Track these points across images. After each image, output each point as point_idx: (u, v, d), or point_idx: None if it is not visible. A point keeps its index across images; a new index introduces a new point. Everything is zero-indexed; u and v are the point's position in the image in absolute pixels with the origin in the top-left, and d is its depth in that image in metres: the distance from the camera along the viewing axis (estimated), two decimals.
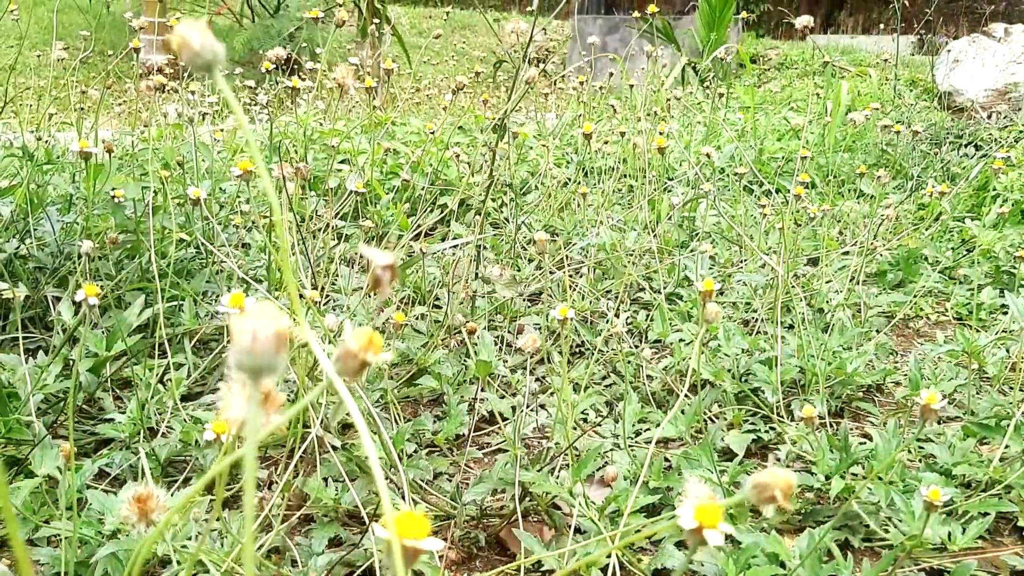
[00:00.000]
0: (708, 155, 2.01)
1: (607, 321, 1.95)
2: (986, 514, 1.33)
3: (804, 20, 1.95)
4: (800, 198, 1.94)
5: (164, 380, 1.66)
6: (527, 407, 1.69)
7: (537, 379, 1.89)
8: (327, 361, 0.44)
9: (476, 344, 1.51)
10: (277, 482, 1.21)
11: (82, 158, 1.29)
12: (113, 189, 1.61)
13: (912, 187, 3.39)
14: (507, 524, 1.34)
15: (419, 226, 2.17)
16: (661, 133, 1.69)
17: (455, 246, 1.89)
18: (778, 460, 1.60)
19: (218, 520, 1.26)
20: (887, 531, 1.22)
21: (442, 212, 2.51)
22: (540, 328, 1.93)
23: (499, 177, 1.94)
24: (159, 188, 1.70)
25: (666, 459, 1.52)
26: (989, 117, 4.40)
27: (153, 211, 1.70)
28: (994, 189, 3.18)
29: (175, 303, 1.83)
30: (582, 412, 1.71)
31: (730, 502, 0.51)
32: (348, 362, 0.43)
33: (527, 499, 1.36)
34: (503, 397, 1.71)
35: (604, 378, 1.90)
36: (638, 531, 1.24)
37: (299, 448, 1.23)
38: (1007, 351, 1.91)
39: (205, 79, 3.46)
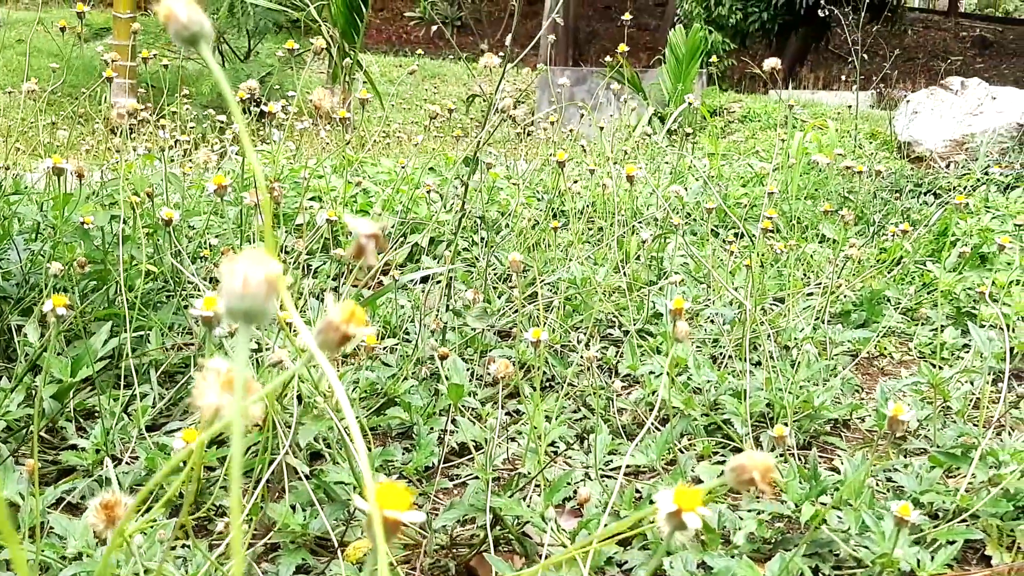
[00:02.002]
0: (677, 194, 2.04)
1: (578, 354, 1.96)
2: (953, 542, 1.34)
3: (771, 62, 2.00)
4: (768, 231, 1.97)
5: (129, 410, 1.64)
6: (497, 438, 1.68)
7: (508, 413, 1.88)
8: (308, 334, 0.44)
9: (448, 370, 1.51)
10: (244, 507, 1.19)
11: (54, 174, 1.28)
12: (82, 217, 1.60)
13: (873, 232, 3.46)
14: (477, 552, 1.33)
15: (388, 262, 2.17)
16: (630, 176, 1.70)
17: (426, 277, 1.89)
18: (747, 490, 1.61)
19: (184, 547, 1.24)
20: (857, 552, 1.22)
21: (412, 248, 2.52)
22: (512, 359, 1.93)
23: (471, 210, 1.95)
24: (129, 216, 1.69)
25: (637, 490, 1.52)
26: (947, 166, 4.51)
27: (122, 240, 1.69)
28: (953, 235, 3.25)
29: (141, 333, 1.81)
30: (552, 444, 1.71)
31: (710, 486, 0.51)
32: (330, 335, 0.43)
33: (497, 527, 1.35)
34: (477, 429, 1.70)
35: (575, 412, 1.90)
36: (612, 536, 1.24)
37: (266, 473, 1.21)
38: (971, 383, 1.94)
39: (176, 118, 3.46)
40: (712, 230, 3.28)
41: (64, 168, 1.28)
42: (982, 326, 2.43)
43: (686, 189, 3.01)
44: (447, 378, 1.40)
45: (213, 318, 0.71)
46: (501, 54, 1.84)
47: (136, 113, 1.59)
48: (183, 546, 1.25)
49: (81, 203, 1.70)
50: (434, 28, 16.52)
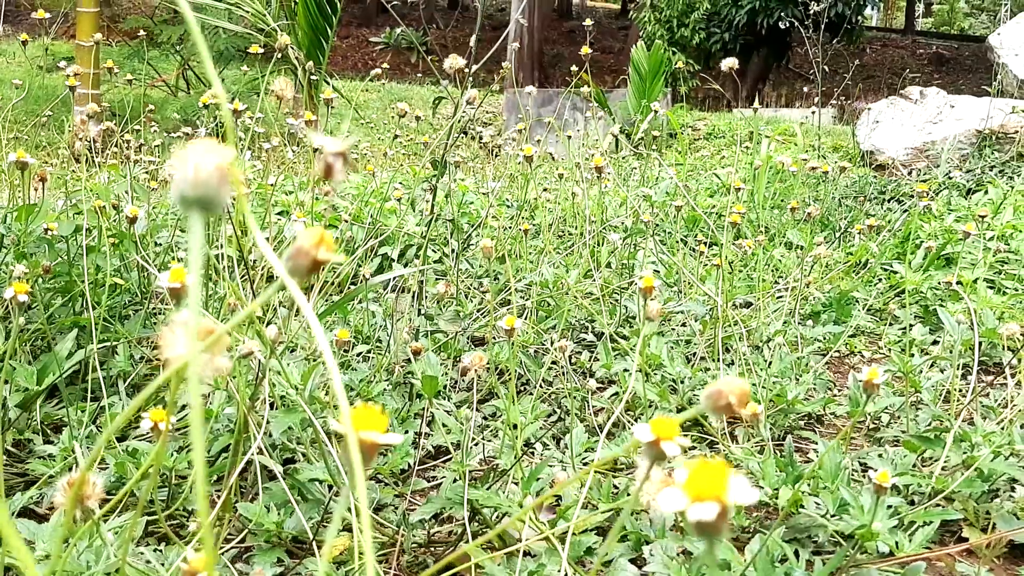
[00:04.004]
0: (646, 195, 2.05)
1: (552, 354, 1.95)
2: (930, 523, 1.34)
3: (729, 62, 2.02)
4: (736, 237, 1.99)
5: (97, 421, 1.61)
6: (472, 435, 1.67)
7: (483, 417, 1.87)
8: (277, 261, 0.43)
9: (422, 365, 1.49)
10: (215, 500, 1.17)
11: (18, 168, 1.26)
12: (46, 224, 1.58)
13: (839, 237, 3.50)
14: (456, 548, 1.31)
15: (357, 273, 2.15)
16: (598, 167, 1.70)
17: (397, 276, 1.88)
18: None
19: (156, 550, 1.21)
20: (837, 528, 1.22)
21: (382, 261, 2.51)
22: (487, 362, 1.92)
23: (441, 213, 1.94)
24: (94, 225, 1.67)
25: (615, 486, 1.51)
26: (909, 173, 4.58)
27: (86, 251, 1.67)
28: (917, 238, 3.30)
29: (109, 344, 1.78)
30: (528, 444, 1.70)
31: (686, 416, 0.51)
32: (300, 260, 0.42)
33: (475, 523, 1.33)
34: (449, 432, 1.69)
35: (550, 415, 1.89)
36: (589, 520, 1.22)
37: (238, 467, 1.19)
38: (941, 371, 1.96)
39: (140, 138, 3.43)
40: (682, 239, 3.31)
41: (28, 162, 1.26)
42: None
43: (654, 191, 3.03)
44: (422, 372, 1.39)
45: (181, 290, 0.70)
46: (466, 69, 1.85)
47: (100, 118, 1.57)
48: (155, 550, 1.22)
49: (44, 213, 1.68)
50: (397, 50, 16.59)
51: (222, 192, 0.35)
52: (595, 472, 1.55)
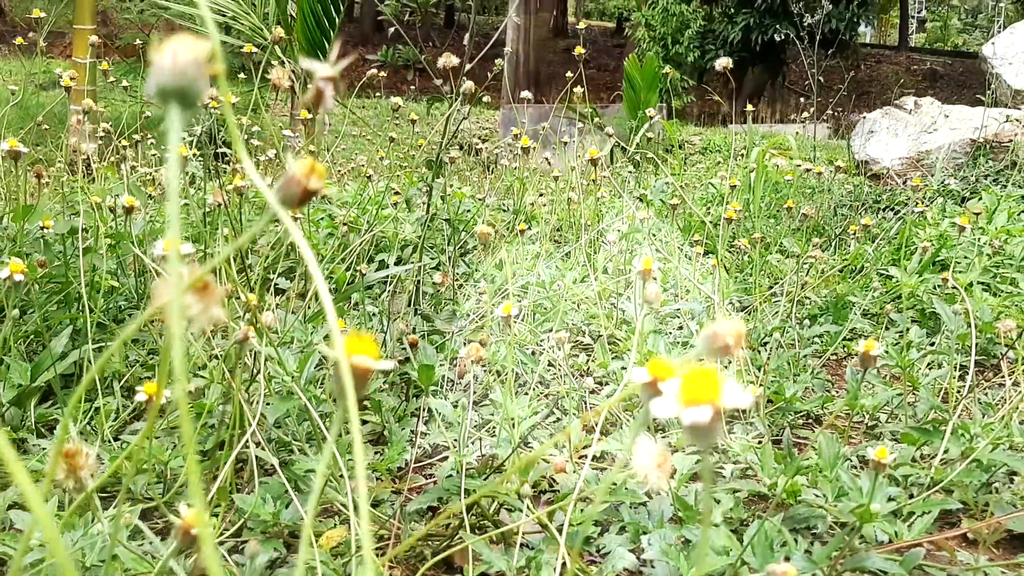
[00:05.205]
0: (643, 196, 2.05)
1: (550, 353, 1.95)
2: (929, 512, 1.34)
3: (723, 62, 2.03)
4: (731, 221, 1.99)
5: (92, 423, 1.60)
6: (469, 440, 1.66)
7: (481, 417, 1.87)
8: (268, 191, 0.43)
9: (418, 356, 1.49)
10: (214, 498, 1.16)
11: (11, 157, 1.25)
12: (42, 225, 1.57)
13: (835, 244, 3.50)
14: (452, 538, 1.30)
15: (355, 274, 2.16)
16: (593, 159, 1.71)
17: (393, 274, 1.88)
18: (723, 478, 1.60)
19: (151, 543, 1.21)
20: (836, 514, 1.22)
21: (379, 266, 2.51)
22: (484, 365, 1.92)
23: (436, 212, 1.94)
24: (91, 226, 1.67)
25: (613, 484, 1.51)
26: (904, 183, 4.60)
27: (83, 252, 1.66)
28: (912, 244, 3.30)
29: (104, 345, 1.77)
30: (527, 443, 1.69)
31: (684, 359, 0.51)
32: (291, 189, 0.42)
33: (472, 515, 1.32)
34: (449, 426, 1.68)
35: (548, 416, 1.89)
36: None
37: (232, 455, 1.18)
38: (939, 367, 1.96)
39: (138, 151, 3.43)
40: (678, 247, 3.31)
41: (20, 151, 1.26)
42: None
43: (650, 191, 3.04)
44: (419, 363, 1.39)
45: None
46: (456, 88, 1.85)
47: (94, 113, 1.57)
48: (150, 543, 1.22)
49: (40, 214, 1.67)
50: (394, 68, 16.69)
51: (200, 83, 0.35)
52: (591, 467, 1.54)
